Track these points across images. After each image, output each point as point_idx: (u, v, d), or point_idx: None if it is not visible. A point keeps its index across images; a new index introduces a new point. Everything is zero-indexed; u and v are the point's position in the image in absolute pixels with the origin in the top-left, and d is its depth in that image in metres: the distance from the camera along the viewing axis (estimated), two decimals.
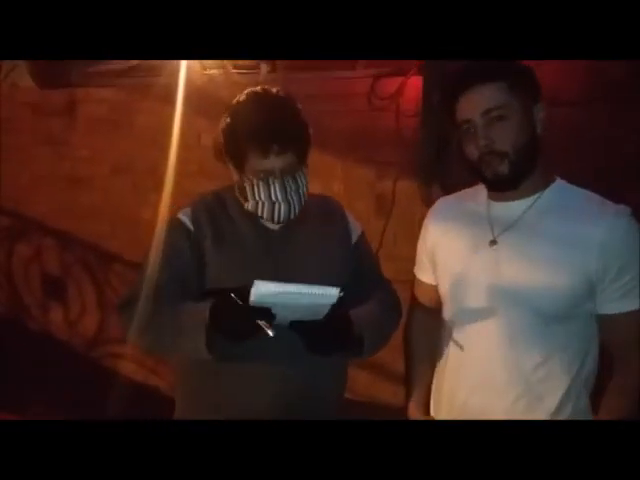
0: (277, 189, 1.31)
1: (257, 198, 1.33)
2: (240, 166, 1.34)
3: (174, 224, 1.37)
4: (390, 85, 2.55)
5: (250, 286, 1.10)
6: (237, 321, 1.18)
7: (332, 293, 1.12)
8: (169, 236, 1.37)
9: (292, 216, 1.35)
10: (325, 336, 1.23)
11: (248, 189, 1.33)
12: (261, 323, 1.14)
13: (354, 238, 1.47)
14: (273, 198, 1.31)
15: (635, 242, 1.17)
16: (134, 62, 2.78)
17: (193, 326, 1.22)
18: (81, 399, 2.80)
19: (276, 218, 1.34)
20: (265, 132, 1.27)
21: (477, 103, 1.20)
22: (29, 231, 3.36)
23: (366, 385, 2.66)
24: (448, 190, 1.48)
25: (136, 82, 2.98)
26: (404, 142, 2.54)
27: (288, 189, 1.31)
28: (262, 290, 1.10)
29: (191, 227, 1.35)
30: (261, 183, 1.31)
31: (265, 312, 1.14)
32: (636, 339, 1.20)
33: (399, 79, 2.53)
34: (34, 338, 3.38)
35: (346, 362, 1.47)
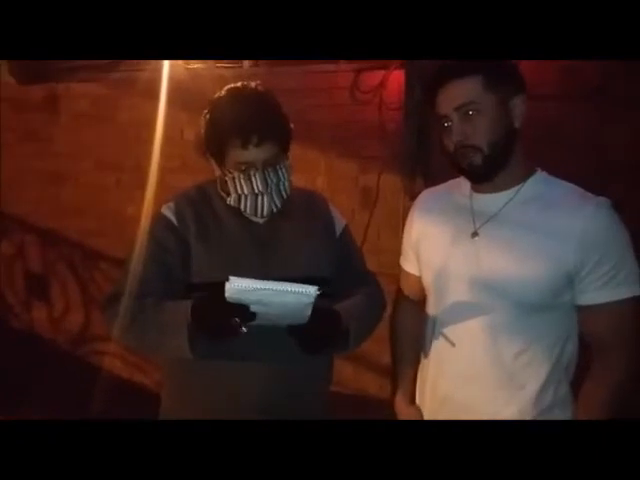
0: (258, 181, 1.30)
1: (239, 191, 1.32)
2: (221, 160, 1.34)
3: (158, 219, 1.36)
4: (373, 78, 2.56)
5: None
6: (216, 319, 1.18)
7: (310, 292, 1.10)
8: (153, 231, 1.35)
9: (275, 209, 1.35)
10: (315, 334, 1.23)
11: (230, 183, 1.33)
12: (234, 321, 1.13)
13: (338, 231, 1.47)
14: (255, 190, 1.31)
15: (614, 234, 1.18)
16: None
17: (175, 325, 1.21)
18: (66, 397, 2.79)
19: (259, 211, 1.33)
20: (243, 123, 1.28)
21: (452, 98, 1.21)
22: (11, 229, 3.33)
23: (353, 377, 2.68)
24: (431, 183, 1.49)
25: (118, 77, 2.96)
26: (387, 135, 2.55)
27: (269, 181, 1.31)
28: (236, 286, 1.09)
29: (175, 222, 1.35)
30: (242, 176, 1.31)
31: (243, 310, 1.13)
32: (613, 330, 1.21)
33: (381, 72, 2.53)
34: (18, 337, 3.36)
35: (331, 357, 1.47)
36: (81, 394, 2.73)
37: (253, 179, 1.30)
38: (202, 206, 1.38)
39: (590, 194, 1.23)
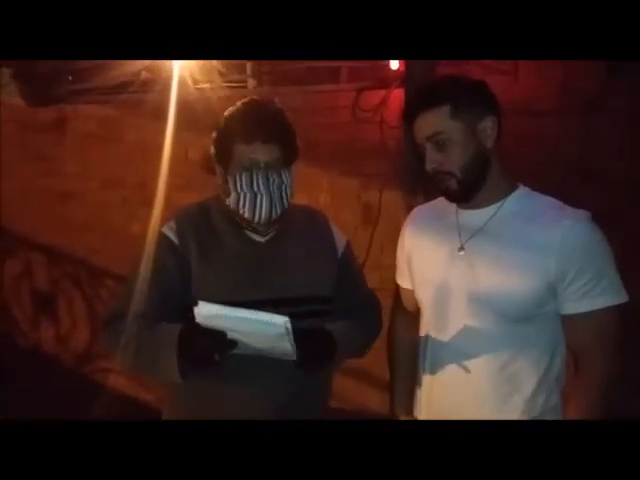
0: (260, 181, 1.30)
1: (239, 189, 1.31)
2: (227, 161, 1.34)
3: (158, 239, 1.36)
4: (373, 97, 2.61)
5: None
6: (193, 346, 1.17)
7: (277, 322, 1.08)
8: (153, 251, 1.35)
9: (274, 214, 1.33)
10: (313, 353, 1.24)
11: (231, 183, 1.32)
12: (207, 349, 1.14)
13: (340, 250, 1.48)
14: (255, 189, 1.30)
15: (593, 245, 1.23)
16: (124, 78, 2.81)
17: (166, 349, 1.20)
18: (72, 415, 2.80)
19: (257, 212, 1.31)
20: (252, 122, 1.31)
21: (423, 129, 1.28)
22: (19, 247, 3.36)
23: (353, 393, 2.68)
24: (431, 198, 1.52)
25: (125, 98, 3.01)
26: (388, 153, 2.58)
27: (271, 181, 1.31)
28: (204, 311, 1.09)
29: (176, 241, 1.34)
30: (244, 174, 1.31)
31: (220, 337, 1.13)
32: (596, 338, 1.24)
33: (382, 91, 2.58)
34: (25, 354, 3.37)
35: (330, 374, 1.47)
36: (87, 411, 2.73)
37: (254, 177, 1.31)
38: (203, 224, 1.38)
39: (569, 207, 1.27)
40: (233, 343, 1.15)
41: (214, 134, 1.38)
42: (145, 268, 1.33)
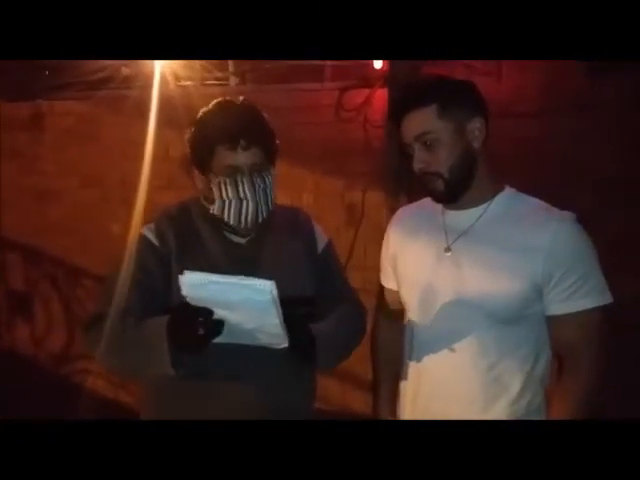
0: (245, 186, 1.29)
1: (224, 197, 1.30)
2: (207, 166, 1.32)
3: (139, 240, 1.34)
4: (357, 97, 2.60)
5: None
6: (182, 328, 1.15)
7: (264, 286, 1.06)
8: (133, 252, 1.33)
9: (260, 218, 1.33)
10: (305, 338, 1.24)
11: (215, 189, 1.30)
12: (198, 327, 1.11)
13: (319, 249, 1.47)
14: (241, 195, 1.29)
15: (578, 246, 1.24)
16: (103, 74, 2.77)
17: (156, 341, 1.18)
18: (49, 417, 2.74)
19: (243, 219, 1.31)
20: (232, 127, 1.29)
21: (411, 129, 1.28)
22: None
23: (337, 394, 2.68)
24: (414, 199, 1.52)
25: (103, 95, 2.96)
26: (372, 153, 2.58)
27: (257, 187, 1.30)
28: (189, 279, 1.07)
29: (156, 242, 1.33)
30: (229, 180, 1.29)
31: (206, 314, 1.11)
32: (581, 339, 1.25)
33: (365, 91, 2.57)
34: (0, 356, 3.31)
35: (314, 375, 1.46)
36: (64, 413, 2.69)
37: (240, 183, 1.29)
38: (183, 225, 1.37)
39: (555, 209, 1.28)
40: (220, 322, 1.13)
41: (190, 135, 1.35)
42: (126, 269, 1.31)
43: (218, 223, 1.37)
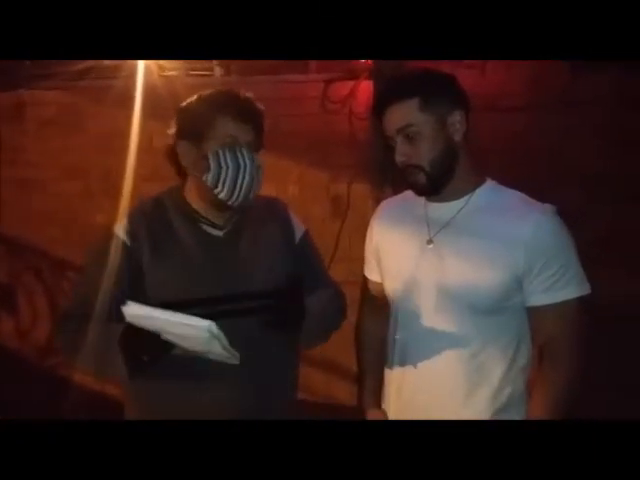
0: (245, 156, 1.27)
1: (222, 164, 1.26)
2: (203, 136, 1.29)
3: (110, 238, 1.32)
4: (342, 88, 2.60)
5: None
6: (131, 347, 1.16)
7: (202, 326, 1.07)
8: (101, 250, 1.31)
9: (251, 194, 1.30)
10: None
11: (212, 158, 1.27)
12: (140, 351, 1.14)
13: (297, 238, 1.46)
14: (240, 163, 1.26)
15: (558, 239, 1.26)
16: (86, 64, 2.74)
17: (113, 349, 1.18)
18: (35, 409, 2.73)
19: (237, 191, 1.27)
20: (236, 100, 1.30)
21: (393, 121, 1.28)
22: None
23: (322, 385, 2.69)
24: (399, 191, 1.53)
25: (86, 84, 2.93)
26: (357, 145, 2.58)
27: (255, 160, 1.29)
28: (130, 311, 1.09)
29: (126, 239, 1.30)
30: (228, 149, 1.27)
31: (153, 338, 1.13)
32: (561, 329, 1.27)
33: (351, 83, 2.57)
34: None
35: (297, 368, 1.47)
36: (51, 406, 2.68)
37: (239, 153, 1.27)
38: (157, 220, 1.35)
39: (535, 201, 1.30)
40: (168, 345, 1.14)
41: (184, 106, 1.34)
42: (96, 268, 1.30)
43: (194, 216, 1.35)
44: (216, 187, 1.28)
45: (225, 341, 1.13)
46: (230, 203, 1.29)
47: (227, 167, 1.26)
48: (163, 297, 1.26)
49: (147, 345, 1.14)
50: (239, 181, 1.27)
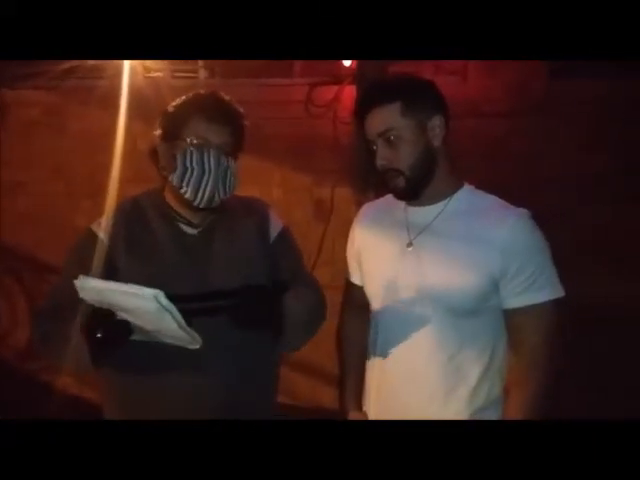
0: (211, 159, 1.28)
1: (187, 164, 1.27)
2: (177, 135, 1.31)
3: (85, 235, 1.34)
4: (327, 93, 2.61)
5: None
6: (89, 327, 1.17)
7: (147, 292, 1.08)
8: (77, 248, 1.34)
9: (216, 197, 1.30)
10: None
11: (179, 157, 1.28)
12: (98, 329, 1.15)
13: (272, 236, 1.45)
14: (205, 166, 1.28)
15: (533, 242, 1.28)
16: (71, 63, 2.73)
17: (80, 342, 1.18)
18: (15, 413, 2.70)
19: (201, 192, 1.28)
20: (210, 102, 1.32)
21: (374, 125, 1.31)
22: None
23: (304, 388, 2.69)
24: (382, 195, 1.54)
25: (70, 85, 2.92)
26: (341, 149, 2.60)
27: (221, 164, 1.29)
28: (82, 284, 1.10)
29: (102, 237, 1.32)
30: (195, 150, 1.28)
31: (104, 315, 1.15)
32: (536, 331, 1.29)
33: (335, 87, 2.59)
34: None
35: (276, 369, 1.47)
36: (30, 410, 2.64)
37: (206, 154, 1.28)
38: (135, 220, 1.36)
39: (511, 206, 1.32)
40: (124, 323, 1.16)
41: (168, 111, 1.35)
42: (71, 265, 1.31)
43: (171, 214, 1.37)
44: (181, 187, 1.29)
45: (179, 316, 1.13)
46: (195, 204, 1.30)
47: (192, 168, 1.28)
48: None
49: (102, 322, 1.15)
50: (203, 183, 1.28)
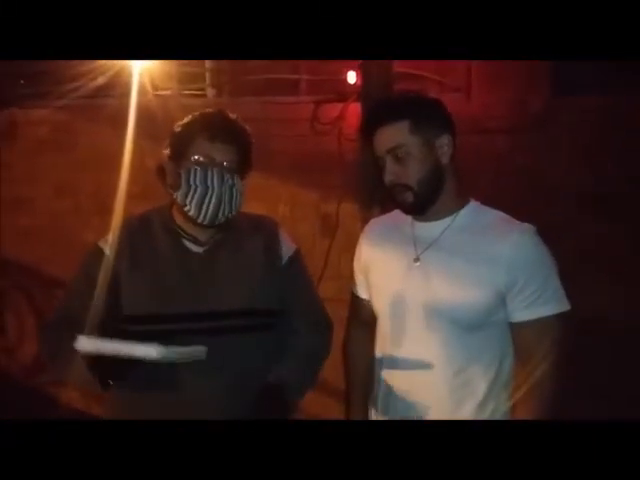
0: (215, 177, 1.29)
1: (191, 182, 1.28)
2: (183, 154, 1.33)
3: (92, 251, 1.37)
4: (332, 110, 2.64)
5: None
6: (101, 370, 1.19)
7: (150, 354, 1.10)
8: (84, 263, 1.37)
9: (220, 215, 1.31)
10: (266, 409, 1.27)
11: (184, 175, 1.30)
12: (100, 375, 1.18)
13: (284, 259, 1.44)
14: (208, 183, 1.28)
15: (539, 257, 1.29)
16: (78, 83, 2.77)
17: (82, 367, 1.20)
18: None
19: (204, 210, 1.29)
20: (215, 121, 1.34)
21: (383, 142, 1.32)
22: None
23: (310, 403, 2.67)
24: (387, 210, 1.56)
25: (78, 104, 2.95)
26: (347, 165, 2.62)
27: (225, 182, 1.30)
28: (81, 345, 1.12)
29: (108, 253, 1.33)
30: (199, 168, 1.29)
31: (115, 361, 1.15)
32: (542, 344, 1.28)
33: (340, 105, 2.62)
34: None
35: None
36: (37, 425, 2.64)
37: (209, 173, 1.29)
38: (141, 236, 1.37)
39: (516, 221, 1.34)
40: (126, 362, 1.15)
41: (175, 130, 1.38)
42: (78, 281, 1.36)
43: (177, 231, 1.37)
44: (185, 205, 1.30)
45: (176, 354, 1.15)
46: (199, 221, 1.31)
47: (195, 186, 1.29)
48: (135, 311, 1.30)
49: (108, 368, 1.17)
50: (206, 201, 1.29)
